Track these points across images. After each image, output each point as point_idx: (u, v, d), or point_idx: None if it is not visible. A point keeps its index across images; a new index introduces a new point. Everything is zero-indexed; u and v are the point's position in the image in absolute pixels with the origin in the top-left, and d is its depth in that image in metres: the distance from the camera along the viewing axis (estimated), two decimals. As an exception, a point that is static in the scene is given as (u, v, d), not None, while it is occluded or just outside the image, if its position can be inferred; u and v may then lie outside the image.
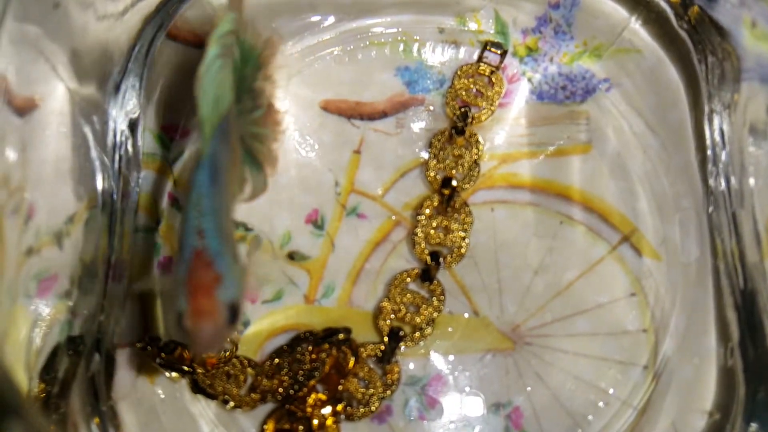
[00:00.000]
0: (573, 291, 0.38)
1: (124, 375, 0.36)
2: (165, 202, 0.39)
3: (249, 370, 0.36)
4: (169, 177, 0.39)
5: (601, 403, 0.36)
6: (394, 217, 0.39)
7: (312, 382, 0.35)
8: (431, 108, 0.40)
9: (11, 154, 0.31)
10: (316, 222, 0.39)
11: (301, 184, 0.39)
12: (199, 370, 0.35)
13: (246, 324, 0.37)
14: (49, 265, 0.33)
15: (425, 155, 0.39)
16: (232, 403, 0.35)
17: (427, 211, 0.38)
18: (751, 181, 0.35)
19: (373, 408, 0.36)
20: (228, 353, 0.36)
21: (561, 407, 0.36)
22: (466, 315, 0.38)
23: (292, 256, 0.38)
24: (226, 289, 0.26)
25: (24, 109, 0.32)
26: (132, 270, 0.38)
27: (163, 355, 0.35)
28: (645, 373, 0.36)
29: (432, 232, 0.38)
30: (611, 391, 0.36)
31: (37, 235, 0.32)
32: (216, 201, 0.28)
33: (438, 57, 0.41)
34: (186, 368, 0.35)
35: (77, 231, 0.35)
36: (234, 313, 0.26)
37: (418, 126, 0.40)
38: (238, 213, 0.39)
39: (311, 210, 0.39)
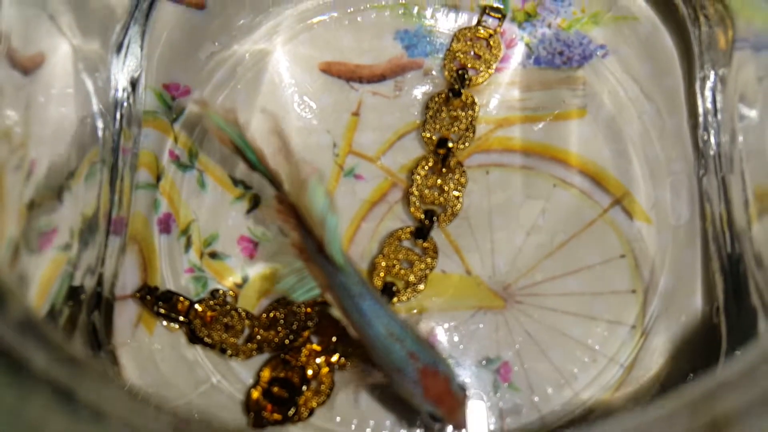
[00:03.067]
0: (564, 252, 0.38)
1: (123, 324, 0.37)
2: (166, 159, 0.40)
3: (246, 321, 0.37)
4: (170, 135, 0.40)
5: (587, 359, 0.37)
6: (390, 179, 0.40)
7: (306, 333, 0.36)
8: (431, 72, 0.41)
9: (15, 112, 0.31)
10: (314, 182, 0.39)
11: (299, 144, 0.40)
12: (196, 322, 0.36)
13: (245, 280, 0.38)
14: (50, 219, 0.34)
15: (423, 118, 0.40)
16: (229, 352, 0.36)
17: (422, 171, 0.39)
18: (741, 147, 0.35)
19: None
20: (228, 306, 0.37)
21: (549, 363, 0.37)
22: (459, 274, 0.38)
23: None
24: (454, 380, 0.32)
25: (28, 67, 0.33)
26: (132, 224, 0.39)
27: (161, 304, 0.36)
28: (633, 332, 0.37)
29: (426, 191, 0.39)
30: (598, 348, 0.37)
31: (38, 189, 0.33)
32: (395, 319, 0.33)
33: (438, 21, 0.41)
34: (183, 319, 0.36)
35: (78, 186, 0.36)
36: (464, 389, 0.33)
37: (416, 89, 0.41)
38: (239, 171, 0.40)
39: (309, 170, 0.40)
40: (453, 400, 0.32)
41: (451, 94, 0.39)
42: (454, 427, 0.33)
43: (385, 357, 0.32)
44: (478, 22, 0.41)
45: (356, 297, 0.32)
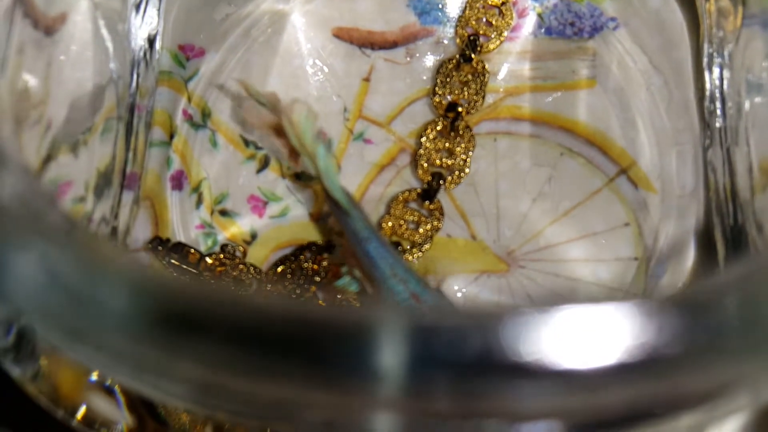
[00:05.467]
0: (569, 219, 0.39)
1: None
2: (179, 117, 0.40)
3: (255, 275, 0.37)
4: (184, 94, 0.41)
5: (587, 322, 0.38)
6: (399, 144, 0.40)
7: (312, 288, 0.37)
8: (443, 40, 0.41)
9: (37, 70, 0.32)
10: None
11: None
12: (206, 275, 0.37)
13: (254, 237, 0.39)
14: (65, 172, 0.34)
15: (433, 85, 0.40)
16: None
17: (431, 134, 0.39)
18: (747, 120, 0.36)
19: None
20: (237, 260, 0.37)
21: (549, 325, 0.37)
22: (464, 239, 0.39)
23: (298, 176, 0.40)
24: None
25: (51, 27, 0.34)
26: (145, 181, 0.39)
27: (172, 255, 0.36)
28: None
29: (434, 154, 0.39)
30: (599, 312, 0.38)
31: (54, 144, 0.33)
32: (400, 262, 0.34)
33: (451, -11, 0.41)
34: (193, 270, 0.37)
35: (94, 141, 0.36)
36: None
37: (427, 57, 0.41)
38: (250, 134, 0.40)
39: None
40: None
41: (462, 60, 0.40)
42: None
43: (391, 299, 0.33)
44: (492, -10, 0.41)
45: (363, 241, 0.34)
